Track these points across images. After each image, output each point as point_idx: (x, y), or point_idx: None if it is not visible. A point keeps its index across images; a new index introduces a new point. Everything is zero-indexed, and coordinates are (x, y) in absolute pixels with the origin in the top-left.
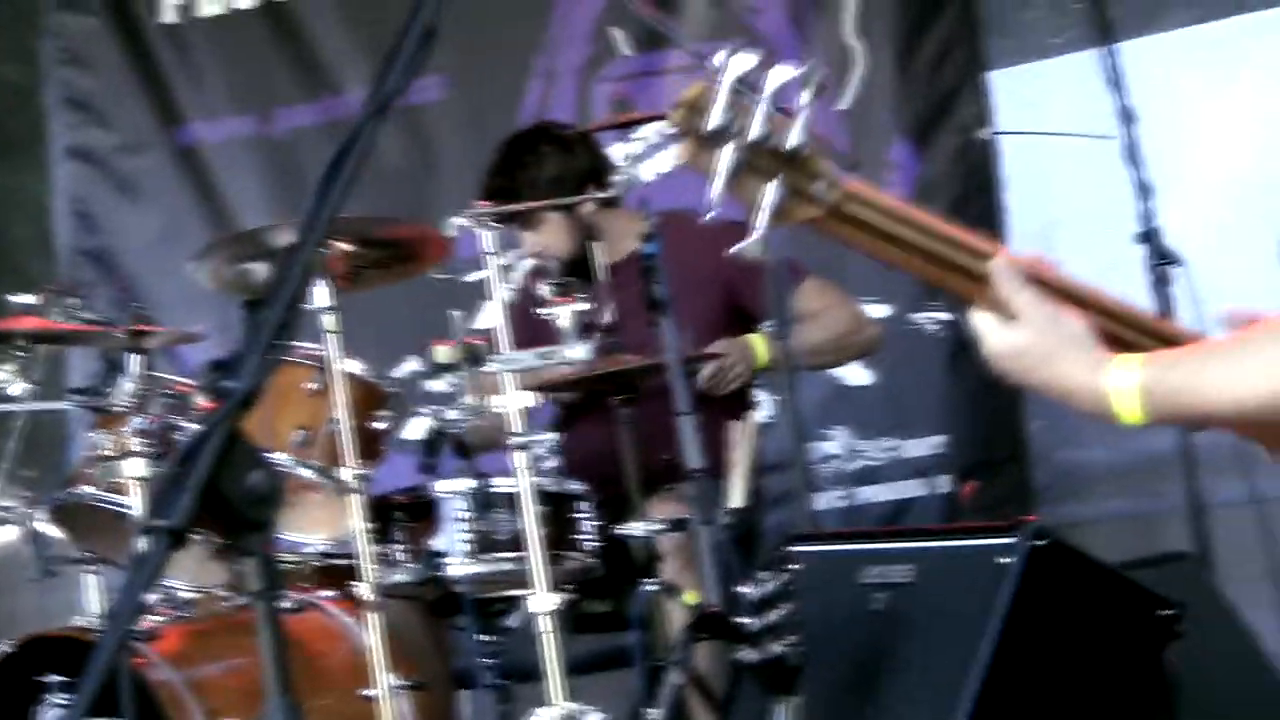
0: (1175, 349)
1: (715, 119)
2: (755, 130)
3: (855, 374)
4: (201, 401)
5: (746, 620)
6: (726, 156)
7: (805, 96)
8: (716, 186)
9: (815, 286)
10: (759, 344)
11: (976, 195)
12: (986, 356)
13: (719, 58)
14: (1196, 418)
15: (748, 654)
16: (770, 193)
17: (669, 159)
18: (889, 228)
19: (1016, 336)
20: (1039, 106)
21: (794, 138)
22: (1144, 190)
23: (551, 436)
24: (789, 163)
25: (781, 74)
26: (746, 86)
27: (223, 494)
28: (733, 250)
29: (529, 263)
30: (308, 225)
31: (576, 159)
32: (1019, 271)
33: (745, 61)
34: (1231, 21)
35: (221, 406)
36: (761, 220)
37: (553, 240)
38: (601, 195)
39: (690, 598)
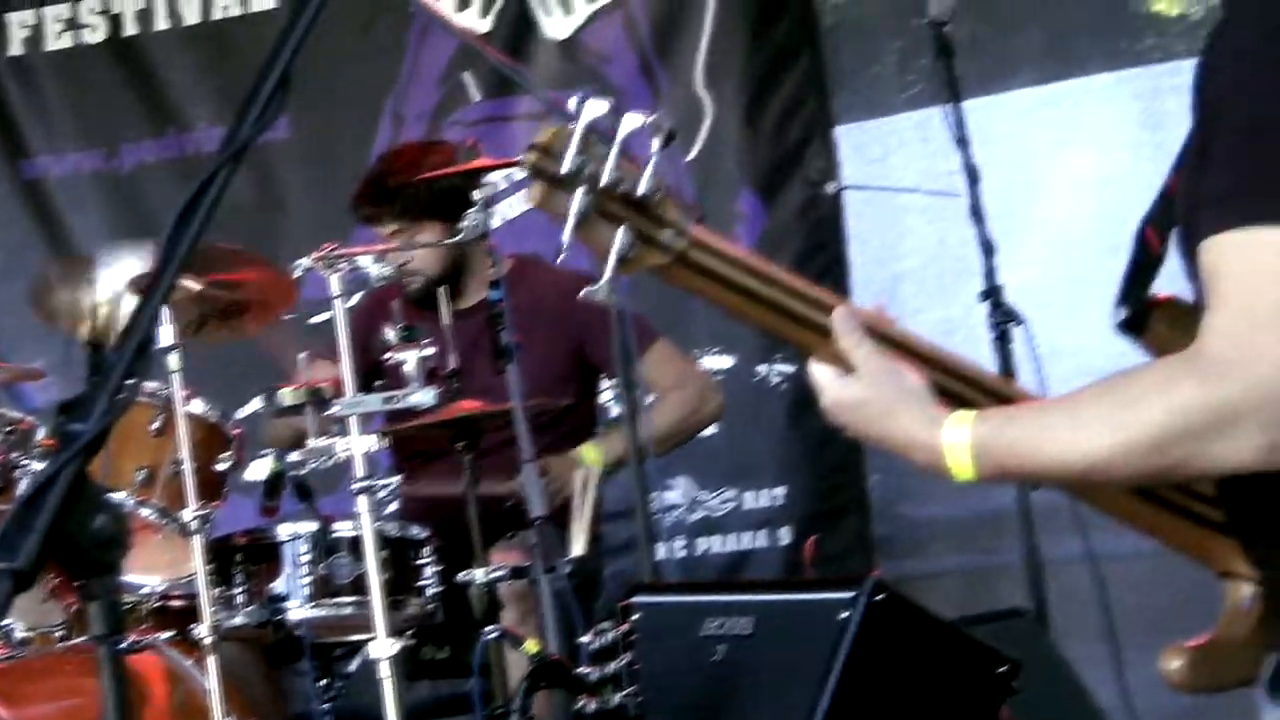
0: (1010, 406)
1: (568, 163)
2: (606, 176)
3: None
4: (44, 439)
5: (587, 670)
6: (578, 201)
7: (654, 145)
8: (567, 231)
9: (664, 353)
10: (589, 452)
11: (822, 248)
12: (825, 409)
13: (572, 104)
14: (1030, 474)
15: (587, 704)
16: (619, 239)
17: (520, 204)
18: (734, 278)
19: (855, 389)
20: (886, 162)
21: (643, 185)
22: (987, 248)
23: (393, 480)
24: (638, 209)
25: (632, 121)
26: (598, 133)
27: (69, 537)
28: (581, 295)
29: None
30: (159, 269)
31: (461, 178)
32: (859, 324)
33: (597, 108)
34: (1074, 83)
35: (67, 449)
36: (610, 265)
37: (427, 257)
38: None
39: (530, 646)
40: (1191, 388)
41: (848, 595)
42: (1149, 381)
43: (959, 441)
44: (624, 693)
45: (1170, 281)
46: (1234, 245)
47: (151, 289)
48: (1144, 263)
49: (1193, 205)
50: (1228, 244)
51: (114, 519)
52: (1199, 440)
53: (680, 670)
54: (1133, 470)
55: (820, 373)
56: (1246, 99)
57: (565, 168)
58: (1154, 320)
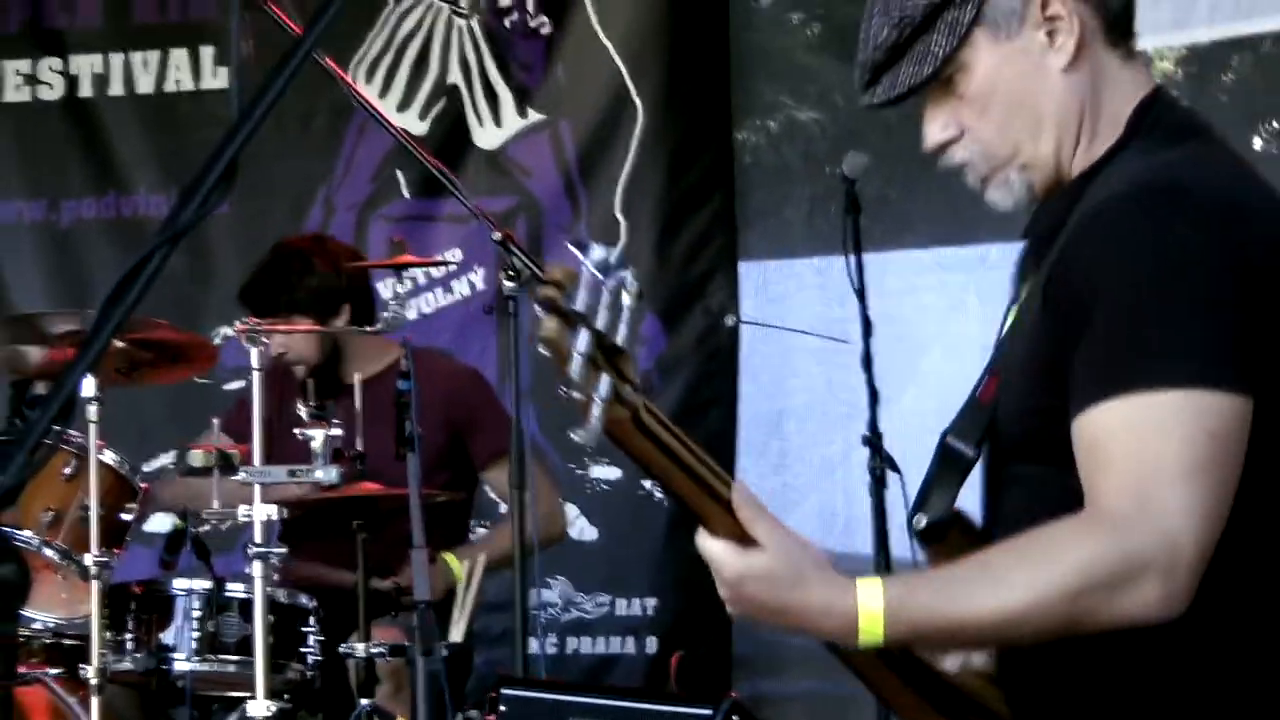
0: (914, 572)
1: (580, 302)
2: (598, 322)
3: (581, 529)
4: None
5: None
6: (583, 341)
7: (628, 300)
8: (585, 379)
9: (539, 476)
10: (451, 562)
11: (715, 376)
12: (728, 581)
13: (584, 255)
14: (942, 634)
15: None
16: (603, 385)
17: (437, 299)
18: (669, 442)
19: (762, 560)
20: (785, 302)
21: (620, 337)
22: (873, 396)
23: (283, 550)
24: (615, 359)
25: (616, 274)
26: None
27: None
28: (575, 436)
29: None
30: (90, 339)
31: (339, 278)
32: (757, 501)
33: (599, 252)
34: (966, 250)
35: None
36: (596, 411)
37: (302, 347)
38: (371, 329)
39: None
40: (1100, 542)
41: (705, 712)
42: (1059, 538)
43: (873, 605)
44: None
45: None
46: (1121, 410)
47: (82, 354)
48: (948, 471)
49: (1051, 387)
50: (1114, 410)
51: (18, 569)
52: (1108, 591)
53: None
54: (1044, 622)
55: (718, 547)
56: (1125, 284)
57: (579, 306)
58: (952, 533)
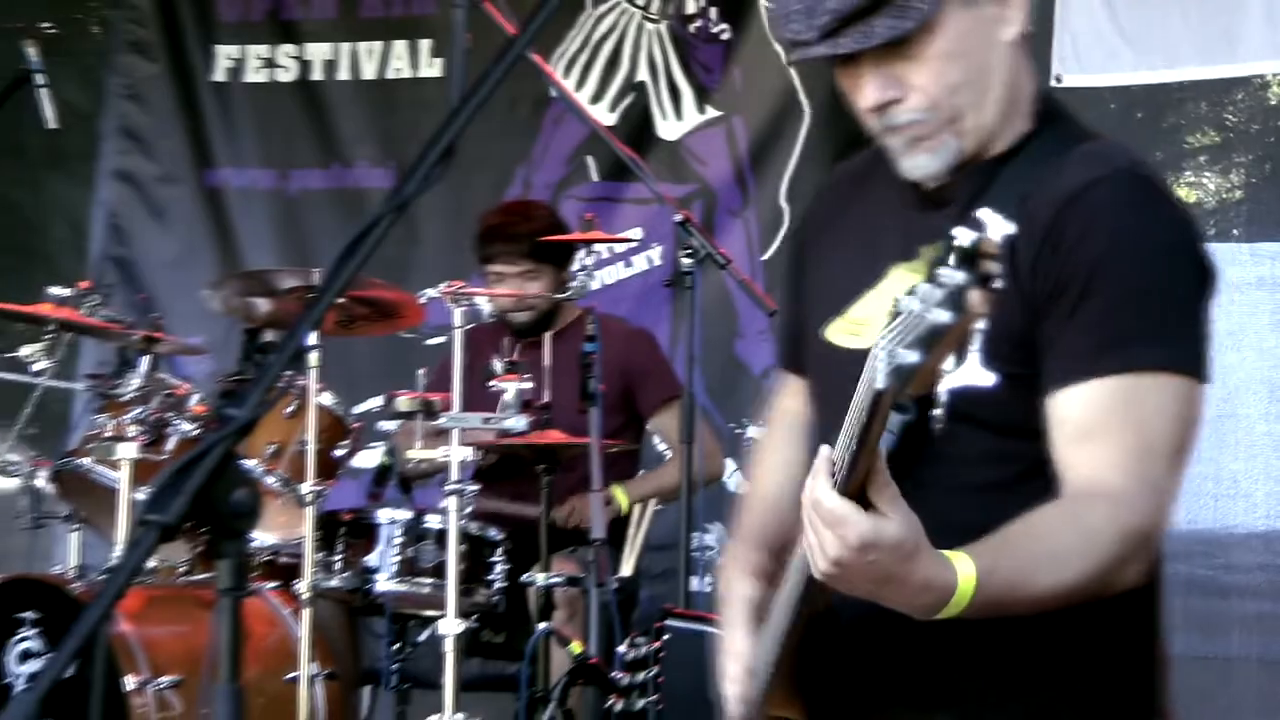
0: (984, 544)
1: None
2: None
3: (738, 481)
4: (196, 406)
5: (619, 675)
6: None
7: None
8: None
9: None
10: (619, 494)
11: None
12: (848, 544)
13: (986, 216)
14: (1000, 610)
15: (616, 704)
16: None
17: (617, 272)
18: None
19: (893, 528)
20: None
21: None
22: None
23: (475, 488)
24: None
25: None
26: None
27: (212, 504)
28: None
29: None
30: (321, 292)
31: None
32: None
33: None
34: None
35: (222, 429)
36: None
37: (538, 291)
38: (559, 296)
39: (575, 647)
40: (1120, 519)
41: None
42: (1093, 517)
43: (966, 583)
44: (648, 699)
45: None
46: (1121, 387)
47: (313, 306)
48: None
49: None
50: (1114, 386)
51: (251, 494)
52: (1123, 565)
53: (697, 689)
54: (1079, 598)
55: (848, 507)
56: (1127, 265)
57: (997, 281)
58: None
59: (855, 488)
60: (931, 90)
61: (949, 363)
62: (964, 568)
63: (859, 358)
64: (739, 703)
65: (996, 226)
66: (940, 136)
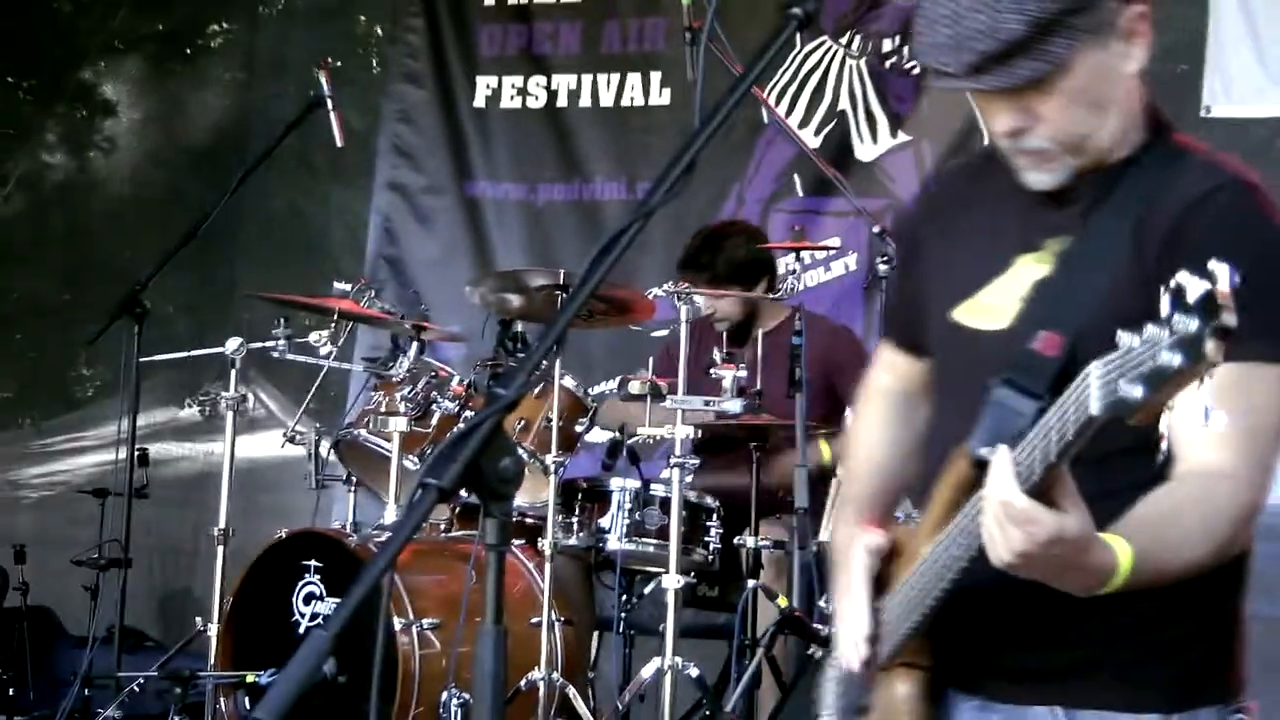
0: (1123, 521)
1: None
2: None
3: None
4: (455, 387)
5: (821, 627)
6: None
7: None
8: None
9: None
10: (824, 446)
11: None
12: (1035, 539)
13: (1215, 266)
14: (1141, 586)
15: (818, 653)
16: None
17: (819, 275)
18: None
19: (1073, 524)
20: None
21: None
22: None
23: (695, 461)
24: None
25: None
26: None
27: (481, 470)
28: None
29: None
30: (578, 287)
31: (757, 254)
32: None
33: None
34: None
35: (491, 406)
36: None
37: (728, 309)
38: (772, 296)
39: (782, 601)
40: (1237, 497)
41: None
42: (1216, 495)
43: (1124, 566)
44: None
45: None
46: (1240, 374)
47: (569, 303)
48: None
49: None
50: (1235, 372)
51: (516, 463)
52: (1237, 539)
53: None
54: (1205, 569)
55: (1035, 506)
56: (1246, 261)
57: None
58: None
59: (1041, 490)
60: (1059, 123)
61: (1172, 401)
62: (1123, 551)
63: (990, 339)
64: (863, 664)
65: (1225, 277)
66: (1062, 159)
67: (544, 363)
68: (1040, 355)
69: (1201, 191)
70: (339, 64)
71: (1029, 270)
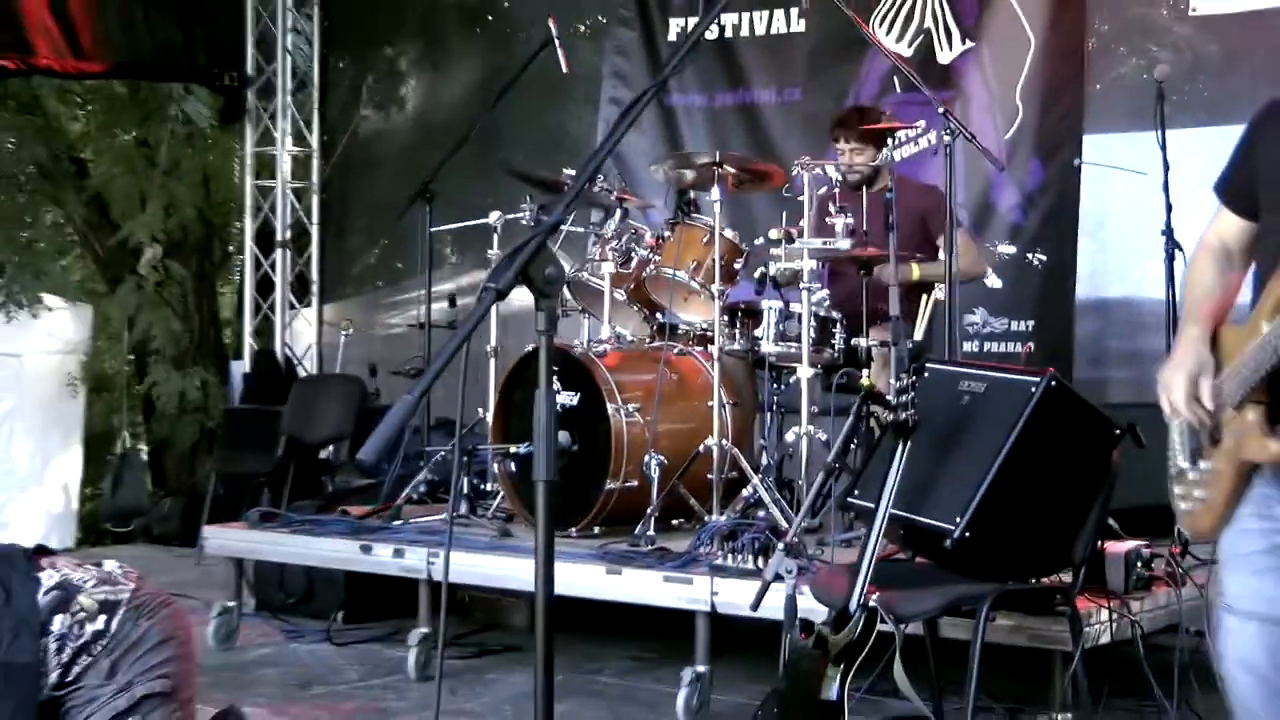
0: None
1: None
2: None
3: (992, 280)
4: (649, 240)
5: (891, 397)
6: None
7: None
8: None
9: (964, 238)
10: (915, 267)
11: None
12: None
13: None
14: None
15: (885, 414)
16: None
17: (908, 149)
18: None
19: None
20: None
21: None
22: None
23: (826, 292)
24: None
25: None
26: None
27: (531, 276)
28: None
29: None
30: (605, 141)
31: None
32: None
33: None
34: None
35: (540, 228)
36: None
37: (863, 162)
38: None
39: (866, 382)
40: None
41: (1036, 379)
42: None
43: None
44: (909, 412)
45: None
46: None
47: (603, 145)
48: None
49: None
50: None
51: (558, 271)
52: None
53: (941, 406)
54: None
55: None
56: None
57: None
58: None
59: None
60: None
61: None
62: None
63: None
64: (1209, 416)
65: None
66: None
67: (583, 195)
68: None
69: None
70: (576, 17)
71: None
